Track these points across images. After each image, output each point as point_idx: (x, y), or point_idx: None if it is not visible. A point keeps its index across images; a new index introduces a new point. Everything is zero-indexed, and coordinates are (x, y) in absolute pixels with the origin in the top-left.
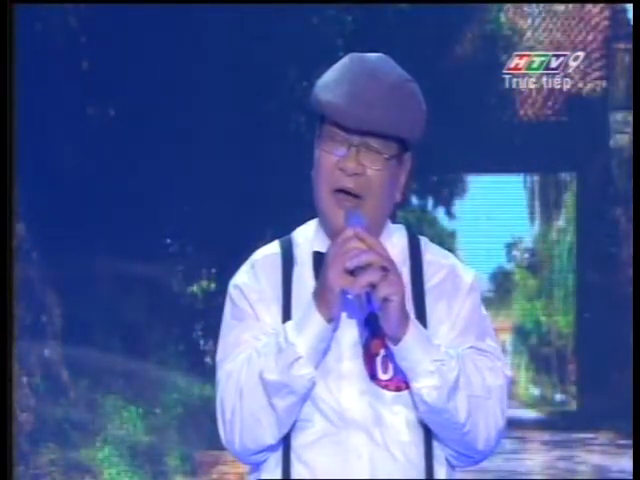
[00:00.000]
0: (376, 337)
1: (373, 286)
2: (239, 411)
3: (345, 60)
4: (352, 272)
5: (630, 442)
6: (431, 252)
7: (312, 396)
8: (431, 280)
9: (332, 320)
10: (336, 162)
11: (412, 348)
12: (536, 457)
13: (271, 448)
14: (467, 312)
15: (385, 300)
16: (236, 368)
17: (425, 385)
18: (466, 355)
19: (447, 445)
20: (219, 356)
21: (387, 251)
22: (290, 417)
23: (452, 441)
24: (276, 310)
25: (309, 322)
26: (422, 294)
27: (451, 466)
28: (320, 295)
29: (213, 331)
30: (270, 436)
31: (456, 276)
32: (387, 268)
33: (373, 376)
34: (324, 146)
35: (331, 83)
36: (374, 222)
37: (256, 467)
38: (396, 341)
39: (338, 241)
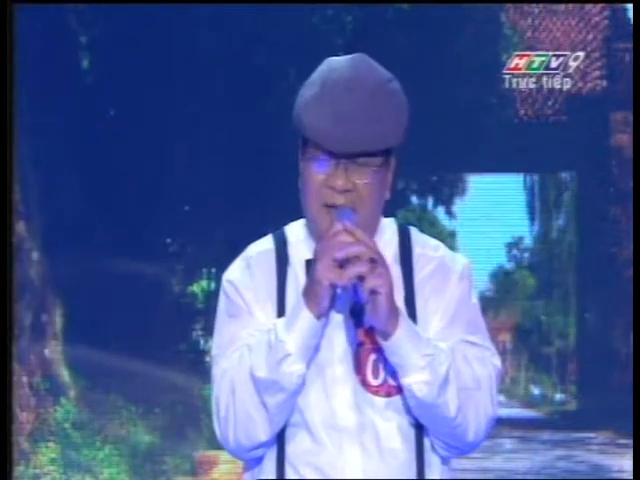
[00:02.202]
0: (361, 326)
1: (362, 279)
2: (232, 408)
3: (323, 68)
4: (341, 266)
5: (630, 442)
6: (421, 245)
7: (304, 404)
8: (420, 273)
9: (321, 316)
10: (324, 180)
11: (403, 343)
12: (536, 456)
13: (265, 445)
14: (456, 302)
15: (373, 292)
16: (230, 366)
17: (416, 380)
18: (455, 346)
19: (437, 437)
20: (214, 352)
21: (375, 244)
22: (281, 414)
23: (443, 434)
24: (271, 309)
25: (298, 319)
26: (412, 288)
27: (444, 464)
28: (309, 290)
29: (213, 331)
30: (263, 433)
31: (445, 267)
32: (375, 260)
33: (364, 382)
34: (311, 166)
35: (311, 101)
36: (367, 226)
37: (251, 467)
38: (387, 336)
39: (327, 235)
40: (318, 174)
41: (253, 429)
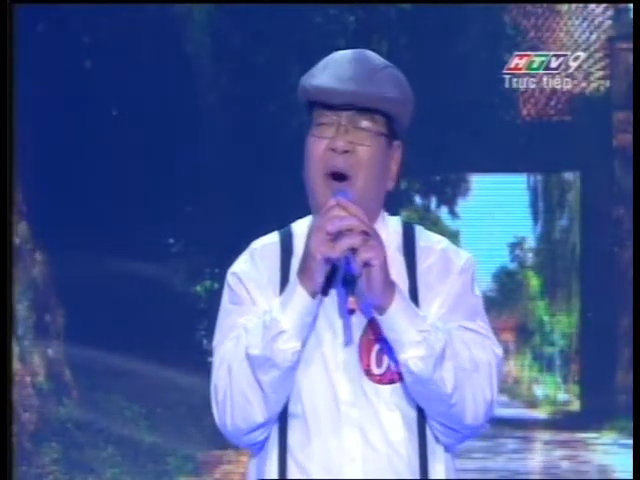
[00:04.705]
0: (352, 295)
1: (354, 251)
2: (229, 390)
3: (327, 57)
4: (335, 240)
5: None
6: (424, 239)
7: (306, 392)
8: (423, 264)
9: (316, 293)
10: (326, 144)
11: (398, 318)
12: (539, 457)
13: (262, 426)
14: (457, 291)
15: (366, 265)
16: (227, 350)
17: (412, 355)
18: (454, 331)
19: (434, 419)
20: (215, 341)
21: (367, 219)
22: (277, 393)
23: (439, 414)
24: (273, 298)
25: (293, 297)
26: (415, 278)
27: (447, 461)
28: (303, 267)
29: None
30: (260, 414)
31: (448, 259)
32: (368, 233)
33: (367, 371)
34: (314, 132)
35: (315, 72)
36: (364, 202)
37: (255, 453)
38: (382, 310)
39: (322, 211)
40: (321, 139)
41: (249, 410)
